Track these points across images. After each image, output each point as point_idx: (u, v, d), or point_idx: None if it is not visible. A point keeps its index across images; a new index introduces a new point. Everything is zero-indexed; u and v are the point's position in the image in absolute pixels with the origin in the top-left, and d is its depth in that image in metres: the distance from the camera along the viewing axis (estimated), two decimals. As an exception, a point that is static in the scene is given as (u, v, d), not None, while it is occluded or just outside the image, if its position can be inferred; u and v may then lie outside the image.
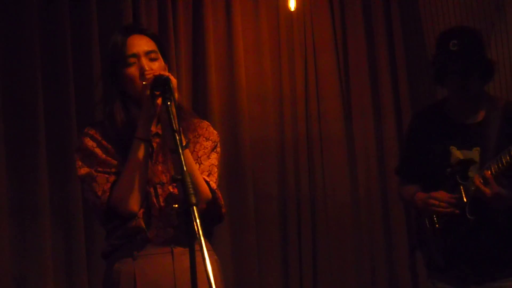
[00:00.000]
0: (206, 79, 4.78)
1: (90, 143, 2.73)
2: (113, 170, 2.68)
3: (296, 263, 4.93)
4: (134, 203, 2.64)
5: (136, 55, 2.71)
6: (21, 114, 4.25)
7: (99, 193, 2.66)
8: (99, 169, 2.69)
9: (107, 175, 2.68)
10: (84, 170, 2.71)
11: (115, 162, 2.69)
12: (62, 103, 4.34)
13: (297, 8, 4.96)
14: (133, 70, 2.70)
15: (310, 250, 4.96)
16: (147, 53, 2.72)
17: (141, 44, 2.73)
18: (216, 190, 2.74)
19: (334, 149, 5.05)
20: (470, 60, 3.21)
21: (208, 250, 2.18)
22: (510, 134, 3.17)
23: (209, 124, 2.89)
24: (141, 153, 2.64)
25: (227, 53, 4.90)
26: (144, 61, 2.70)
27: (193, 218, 2.18)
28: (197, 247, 2.21)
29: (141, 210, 2.67)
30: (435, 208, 3.30)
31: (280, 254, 4.91)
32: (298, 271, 4.93)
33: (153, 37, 2.80)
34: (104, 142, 2.73)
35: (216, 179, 2.77)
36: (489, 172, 3.13)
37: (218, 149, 2.85)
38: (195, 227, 2.16)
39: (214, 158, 2.80)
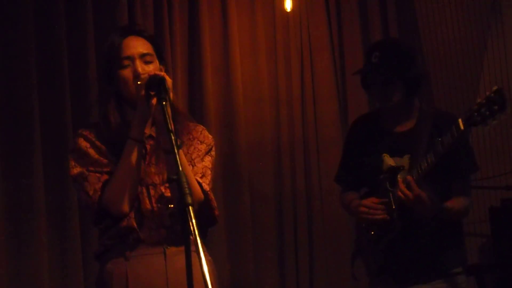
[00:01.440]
0: (202, 81, 4.78)
1: (83, 143, 2.73)
2: (105, 169, 2.68)
3: (293, 264, 4.92)
4: (125, 204, 2.64)
5: (131, 58, 2.70)
6: (17, 114, 4.24)
7: (90, 193, 2.66)
8: (91, 168, 2.69)
9: (98, 175, 2.67)
10: (76, 170, 2.70)
11: (107, 162, 2.69)
12: (58, 103, 4.33)
13: (293, 9, 4.97)
14: (127, 73, 2.69)
15: (307, 251, 4.95)
16: (142, 56, 2.71)
17: (137, 46, 2.72)
18: (209, 192, 2.73)
19: (330, 150, 5.04)
20: (389, 72, 3.28)
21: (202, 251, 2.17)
22: (433, 143, 3.20)
23: (204, 128, 2.89)
24: (134, 153, 2.63)
25: (223, 55, 4.89)
26: (139, 64, 2.69)
27: (189, 218, 2.16)
28: (192, 248, 2.20)
29: (133, 211, 2.66)
30: (366, 215, 3.36)
31: (276, 255, 4.90)
32: (295, 272, 4.92)
33: (149, 38, 2.79)
34: (97, 143, 2.72)
35: (209, 181, 2.76)
36: (410, 177, 3.18)
37: (213, 153, 2.84)
38: (191, 227, 2.15)
39: (208, 161, 2.80)
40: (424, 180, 3.18)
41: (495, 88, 3.00)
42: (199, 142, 2.81)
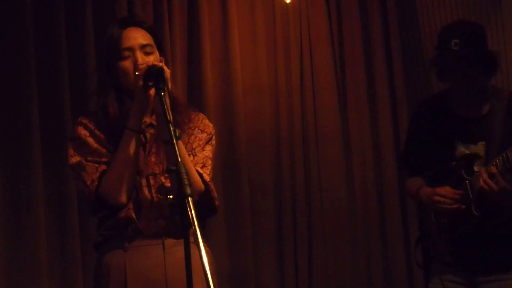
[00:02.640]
0: (201, 72, 4.77)
1: (83, 132, 2.72)
2: (103, 159, 2.68)
3: (292, 256, 4.92)
4: (122, 194, 2.63)
5: (131, 49, 2.70)
6: (15, 106, 4.24)
7: (88, 182, 2.66)
8: (89, 158, 2.68)
9: (96, 165, 2.67)
10: (75, 159, 2.70)
11: (106, 151, 2.68)
12: (56, 95, 4.33)
13: (293, 1, 4.95)
14: (127, 64, 2.69)
15: (306, 243, 4.95)
16: (142, 47, 2.71)
17: (137, 37, 2.72)
18: (209, 183, 2.73)
19: (329, 142, 5.04)
20: (473, 58, 3.19)
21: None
22: None
23: (204, 116, 2.88)
24: (131, 144, 2.63)
25: (223, 46, 4.88)
26: (139, 55, 2.69)
27: (188, 209, 2.15)
28: (191, 239, 2.19)
29: (132, 201, 2.65)
30: (441, 205, 3.29)
31: (275, 247, 4.90)
32: (294, 263, 4.92)
33: (149, 30, 2.79)
34: (97, 132, 2.72)
35: (210, 171, 2.76)
36: (495, 168, 3.12)
37: (213, 142, 2.83)
38: (190, 218, 2.14)
39: (208, 151, 2.79)
40: (508, 171, 3.11)
41: None
42: (199, 131, 2.80)
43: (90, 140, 2.71)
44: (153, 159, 2.71)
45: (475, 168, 3.24)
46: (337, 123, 5.08)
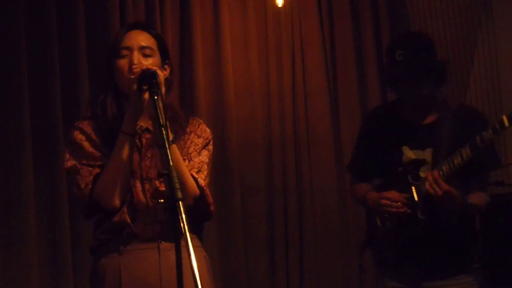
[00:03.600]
0: (193, 76, 4.78)
1: (79, 136, 2.73)
2: (97, 163, 2.67)
3: (283, 258, 4.93)
4: (116, 198, 2.63)
5: (129, 48, 2.70)
6: (6, 107, 4.24)
7: (82, 186, 2.66)
8: (84, 161, 2.68)
9: (90, 168, 2.67)
10: (70, 163, 2.70)
11: (100, 155, 2.68)
12: (48, 97, 4.33)
13: (285, 4, 4.97)
14: (123, 62, 2.69)
15: (297, 246, 4.96)
16: (142, 48, 2.71)
17: (138, 39, 2.73)
18: (205, 187, 2.72)
19: (321, 145, 5.05)
20: (416, 68, 3.25)
21: (196, 247, 2.17)
22: (462, 135, 3.19)
23: (202, 121, 2.87)
24: (126, 148, 2.63)
25: (215, 49, 4.89)
26: (136, 55, 2.69)
27: (179, 213, 2.16)
28: (184, 243, 2.19)
29: (126, 205, 2.65)
30: (387, 208, 3.33)
31: (267, 250, 4.91)
32: (285, 266, 4.93)
33: (154, 34, 2.79)
34: (93, 136, 2.72)
35: (205, 176, 2.75)
36: (440, 172, 3.16)
37: (210, 147, 2.82)
38: (181, 222, 2.15)
39: (205, 156, 2.78)
40: (454, 176, 3.16)
41: None
42: (196, 136, 2.80)
43: (86, 144, 2.71)
44: (148, 164, 2.71)
45: (422, 174, 3.28)
46: (329, 126, 5.09)
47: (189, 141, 2.77)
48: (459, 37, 5.20)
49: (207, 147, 2.80)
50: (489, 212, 4.82)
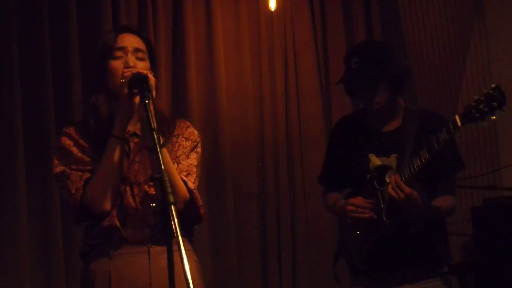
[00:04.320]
0: (186, 79, 4.77)
1: (67, 142, 2.72)
2: (87, 168, 2.67)
3: (275, 262, 4.93)
4: (106, 202, 2.63)
5: (124, 49, 2.71)
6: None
7: (73, 191, 2.65)
8: (73, 167, 2.68)
9: (81, 173, 2.66)
10: (59, 169, 2.70)
11: (90, 160, 2.68)
12: (40, 102, 4.31)
13: (278, 8, 4.97)
14: (117, 64, 2.69)
15: (289, 249, 4.96)
16: (136, 50, 2.72)
17: (131, 41, 2.74)
18: (194, 190, 2.72)
19: (313, 148, 5.05)
20: (371, 76, 3.28)
21: (187, 250, 2.16)
22: (425, 140, 3.20)
23: (189, 124, 2.87)
24: (116, 151, 2.62)
25: (207, 53, 4.89)
26: (131, 57, 2.69)
27: (171, 217, 2.15)
28: (175, 247, 2.19)
29: (115, 209, 2.65)
30: (353, 214, 3.35)
31: (259, 253, 4.90)
32: (277, 270, 4.93)
33: (145, 40, 2.80)
34: (81, 141, 2.71)
35: (195, 179, 2.75)
36: (402, 176, 3.19)
37: (199, 149, 2.82)
38: (173, 226, 2.14)
39: (193, 158, 2.78)
40: (415, 179, 3.18)
41: (494, 85, 3.01)
42: (184, 139, 2.80)
43: (74, 149, 2.70)
44: (136, 168, 2.70)
45: (387, 179, 3.29)
46: (321, 129, 5.09)
47: (177, 144, 2.77)
48: (452, 41, 5.22)
49: (195, 150, 2.80)
50: (481, 216, 4.85)
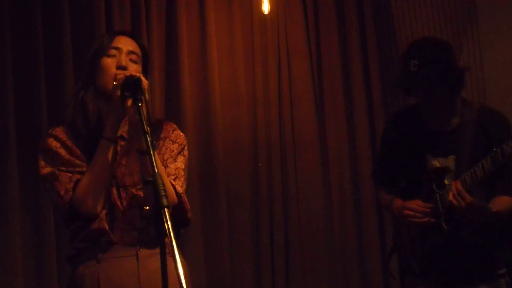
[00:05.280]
0: (179, 82, 4.77)
1: (53, 143, 2.71)
2: (76, 169, 2.66)
3: (269, 266, 4.92)
4: (96, 204, 2.62)
5: (118, 49, 2.71)
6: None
7: (62, 193, 2.63)
8: (62, 168, 2.66)
9: (70, 174, 2.65)
10: (46, 170, 2.68)
11: (79, 162, 2.67)
12: (33, 102, 4.31)
13: (271, 11, 4.96)
14: (110, 61, 2.70)
15: (283, 253, 4.95)
16: (130, 53, 2.72)
17: (127, 43, 2.75)
18: (182, 194, 2.71)
19: (307, 152, 5.05)
20: (432, 78, 3.22)
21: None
22: (485, 140, 3.18)
23: (175, 126, 2.86)
24: (107, 153, 2.62)
25: (201, 56, 4.88)
26: (124, 58, 2.70)
27: (165, 220, 2.14)
28: (168, 250, 2.18)
29: (104, 212, 2.63)
30: (411, 219, 3.33)
31: (252, 257, 4.90)
32: (271, 274, 4.92)
33: (141, 46, 2.81)
34: (68, 143, 2.70)
35: (182, 183, 2.74)
36: (463, 184, 3.16)
37: (185, 152, 2.81)
38: (167, 229, 2.13)
39: (180, 162, 2.77)
40: (476, 187, 3.15)
41: None
42: (170, 141, 2.78)
43: (62, 151, 2.69)
44: (123, 171, 2.69)
45: (446, 182, 3.27)
46: (315, 133, 5.09)
47: (164, 147, 2.76)
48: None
49: (182, 153, 2.79)
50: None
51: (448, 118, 3.34)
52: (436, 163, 3.30)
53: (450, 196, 3.17)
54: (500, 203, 3.24)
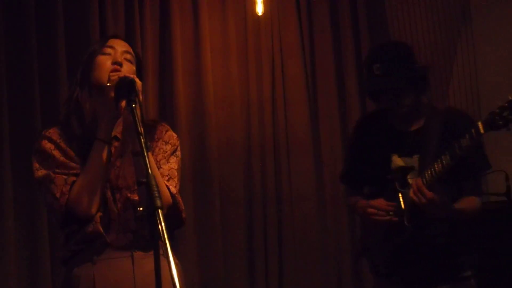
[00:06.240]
0: (173, 83, 4.77)
1: (47, 145, 2.70)
2: (71, 171, 2.65)
3: (262, 267, 4.92)
4: (92, 206, 2.61)
5: (114, 48, 2.72)
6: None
7: (57, 195, 2.62)
8: (57, 170, 2.65)
9: (65, 177, 2.64)
10: (41, 172, 2.67)
11: (73, 164, 2.66)
12: (27, 103, 4.31)
13: (265, 12, 4.97)
14: (105, 58, 2.70)
15: (276, 255, 4.95)
16: (125, 52, 2.73)
17: (121, 44, 2.76)
18: (176, 195, 2.71)
19: (300, 153, 5.05)
20: (396, 81, 3.24)
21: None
22: (449, 140, 3.19)
23: (168, 127, 2.86)
24: (102, 154, 2.61)
25: (194, 57, 4.88)
26: (119, 55, 2.70)
27: (158, 222, 2.14)
28: (160, 251, 2.18)
29: (99, 214, 2.63)
30: (374, 217, 3.34)
31: (246, 259, 4.90)
32: (264, 275, 4.92)
33: (135, 50, 2.82)
34: (62, 144, 2.69)
35: (176, 184, 2.74)
36: (424, 180, 3.17)
37: (178, 153, 2.81)
38: (161, 230, 2.13)
39: (173, 162, 2.77)
40: (437, 182, 3.16)
41: None
42: (163, 142, 2.78)
43: (56, 153, 2.68)
44: (117, 173, 2.69)
45: (409, 181, 3.28)
46: (308, 135, 5.10)
47: (157, 148, 2.76)
48: (439, 46, 5.23)
49: (175, 154, 2.79)
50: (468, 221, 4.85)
51: (414, 118, 3.35)
52: (401, 162, 3.31)
53: (411, 193, 3.18)
54: (465, 202, 3.26)
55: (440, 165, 3.13)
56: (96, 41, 2.85)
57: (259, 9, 4.93)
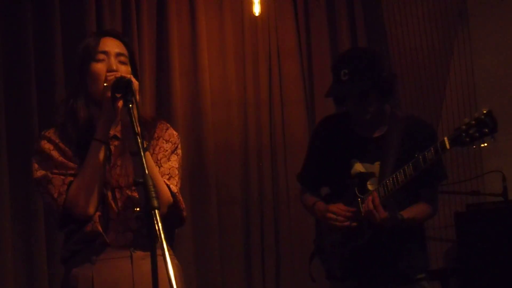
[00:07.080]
0: (170, 84, 4.77)
1: (46, 146, 2.70)
2: (69, 172, 2.64)
3: (259, 267, 4.92)
4: (90, 206, 2.60)
5: (107, 53, 2.69)
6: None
7: (55, 195, 2.62)
8: (55, 171, 2.65)
9: (63, 177, 2.64)
10: (40, 173, 2.67)
11: (72, 164, 2.66)
12: (24, 105, 4.30)
13: (262, 13, 4.97)
14: (100, 66, 2.67)
15: (273, 255, 4.96)
16: (118, 55, 2.70)
17: (114, 45, 2.72)
18: (177, 193, 2.70)
19: (297, 154, 5.04)
20: (361, 87, 3.25)
21: (169, 255, 2.15)
22: (410, 148, 3.21)
23: (169, 125, 2.86)
24: (99, 155, 2.61)
25: (191, 58, 4.88)
26: (113, 61, 2.68)
27: (155, 222, 2.14)
28: (158, 252, 2.18)
29: (98, 214, 2.63)
30: (333, 222, 3.35)
31: (243, 259, 4.90)
32: (261, 275, 4.92)
33: (126, 45, 2.79)
34: (61, 145, 2.69)
35: (177, 182, 2.74)
36: (385, 189, 3.21)
37: (179, 151, 2.81)
38: (157, 231, 2.13)
39: (174, 161, 2.77)
40: (396, 191, 3.20)
41: (485, 110, 2.98)
42: (164, 141, 2.78)
43: (55, 153, 2.68)
44: (118, 172, 2.69)
45: (369, 187, 3.31)
46: (305, 135, 5.10)
47: (158, 147, 2.75)
48: (436, 47, 5.24)
49: (176, 152, 2.78)
50: (465, 221, 4.86)
51: (377, 125, 3.38)
52: (361, 167, 3.33)
53: (366, 206, 3.21)
54: (413, 210, 3.30)
55: (402, 175, 3.16)
56: (88, 37, 2.79)
57: (256, 9, 4.94)
